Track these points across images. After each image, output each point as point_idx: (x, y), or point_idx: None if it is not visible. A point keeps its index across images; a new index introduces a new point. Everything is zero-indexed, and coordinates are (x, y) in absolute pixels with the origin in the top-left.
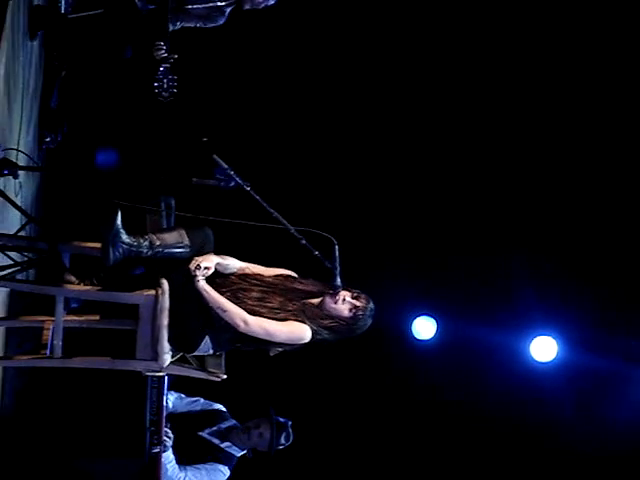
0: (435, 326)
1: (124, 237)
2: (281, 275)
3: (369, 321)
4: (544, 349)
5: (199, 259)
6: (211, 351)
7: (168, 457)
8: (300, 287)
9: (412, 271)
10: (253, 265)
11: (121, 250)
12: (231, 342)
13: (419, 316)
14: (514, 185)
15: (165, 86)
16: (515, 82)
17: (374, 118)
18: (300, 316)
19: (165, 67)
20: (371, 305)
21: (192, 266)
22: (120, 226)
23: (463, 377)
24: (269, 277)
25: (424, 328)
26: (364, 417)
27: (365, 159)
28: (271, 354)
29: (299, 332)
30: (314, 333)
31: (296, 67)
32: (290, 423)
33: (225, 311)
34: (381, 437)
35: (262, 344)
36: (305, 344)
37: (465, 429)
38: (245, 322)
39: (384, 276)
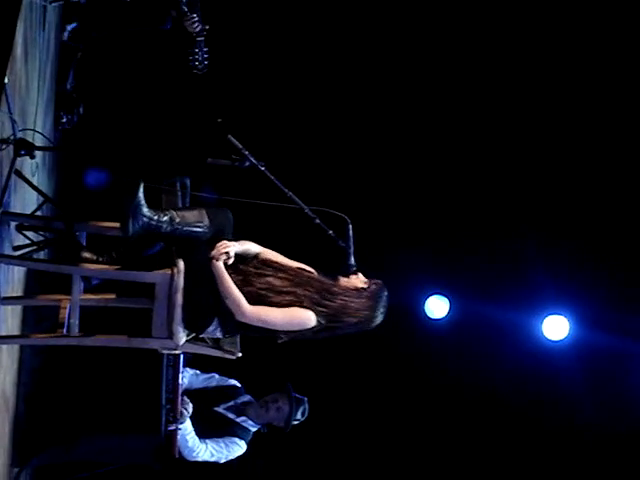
0: (448, 305)
1: (145, 210)
2: (300, 267)
3: (382, 308)
4: (556, 328)
5: (226, 244)
6: (219, 334)
7: (187, 428)
8: (317, 278)
9: (425, 250)
10: (275, 253)
11: (141, 222)
12: (237, 328)
13: (432, 295)
14: (526, 163)
15: (200, 58)
16: (522, 66)
17: (392, 98)
18: (308, 303)
19: (200, 40)
20: (385, 291)
21: (217, 249)
22: (142, 198)
23: (475, 356)
24: (288, 264)
25: (437, 307)
26: (377, 397)
27: (380, 138)
28: (279, 341)
29: (300, 318)
30: (327, 321)
31: (314, 49)
32: (307, 399)
33: (227, 298)
34: (394, 417)
35: (266, 332)
36: (315, 334)
37: (477, 408)
38: (242, 313)
39: (397, 255)
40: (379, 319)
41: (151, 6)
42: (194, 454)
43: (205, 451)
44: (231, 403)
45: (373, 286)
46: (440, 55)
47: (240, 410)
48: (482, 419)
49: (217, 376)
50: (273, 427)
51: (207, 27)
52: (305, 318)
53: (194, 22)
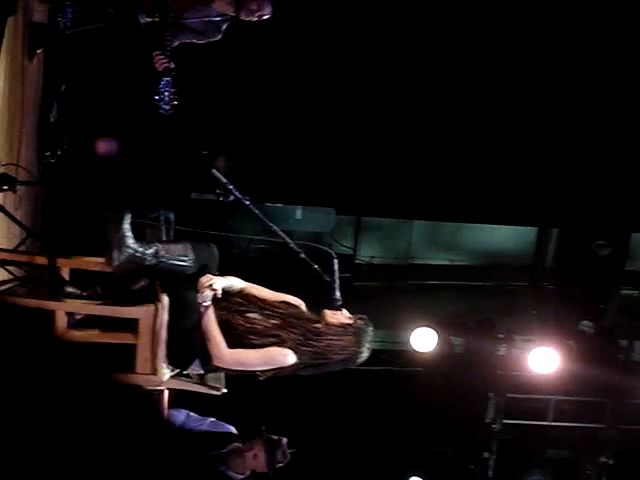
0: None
1: (130, 241)
2: (286, 302)
3: (367, 343)
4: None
5: (210, 278)
6: (201, 371)
7: None
8: (302, 315)
9: None
10: (260, 288)
11: (126, 254)
12: (217, 368)
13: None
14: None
15: (166, 99)
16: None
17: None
18: (291, 344)
19: (166, 80)
20: (370, 326)
21: (205, 282)
22: (127, 230)
23: None
24: (273, 302)
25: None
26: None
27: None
28: (260, 378)
29: (277, 358)
30: (312, 359)
31: (290, 79)
32: (285, 440)
33: (209, 340)
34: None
35: (245, 372)
36: (296, 371)
37: None
38: (220, 358)
39: None
40: (364, 355)
41: (112, 50)
42: None
43: None
44: (216, 451)
45: (358, 322)
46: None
47: (224, 460)
48: None
49: (209, 420)
50: (258, 473)
51: (173, 66)
52: (283, 357)
53: (160, 60)
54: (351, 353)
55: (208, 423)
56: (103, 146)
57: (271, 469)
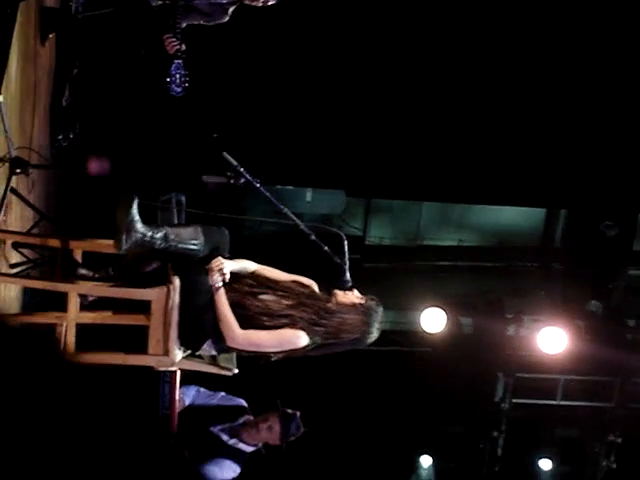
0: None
1: (139, 226)
2: (298, 281)
3: (377, 324)
4: None
5: (220, 261)
6: (214, 352)
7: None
8: (314, 295)
9: None
10: (272, 269)
11: (134, 238)
12: (229, 348)
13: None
14: None
15: (177, 81)
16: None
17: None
18: (303, 324)
19: (177, 62)
20: (380, 307)
21: (215, 266)
22: (136, 214)
23: None
24: (285, 282)
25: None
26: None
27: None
28: (273, 359)
29: (291, 339)
30: (323, 339)
31: (302, 63)
32: (299, 414)
33: (221, 321)
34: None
35: (257, 352)
36: (308, 352)
37: None
38: (233, 338)
39: None
40: (374, 335)
41: (124, 34)
42: None
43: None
44: (228, 424)
45: (369, 301)
46: None
47: (235, 432)
48: None
49: (221, 394)
50: (270, 446)
51: (184, 48)
52: (295, 339)
53: (171, 42)
54: (361, 333)
55: (219, 397)
56: (95, 166)
57: (284, 442)
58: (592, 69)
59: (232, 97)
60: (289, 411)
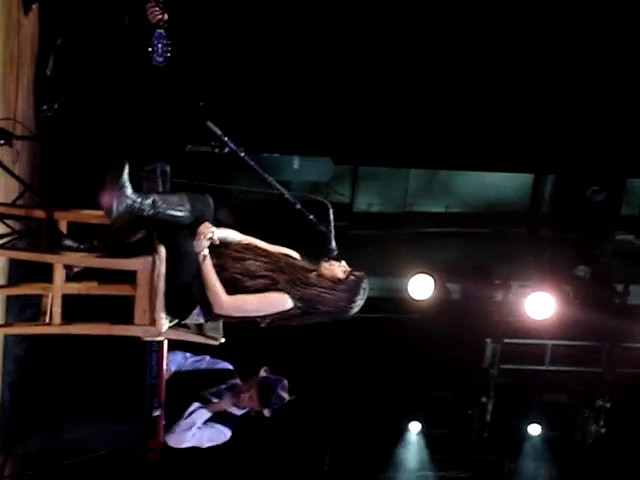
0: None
1: (129, 192)
2: (283, 252)
3: (359, 300)
4: None
5: (210, 227)
6: (202, 320)
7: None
8: (299, 263)
9: None
10: (256, 240)
11: (125, 204)
12: (217, 315)
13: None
14: None
15: (160, 51)
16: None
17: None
18: (283, 286)
19: (159, 32)
20: (364, 284)
21: (203, 230)
22: (126, 180)
23: None
24: (270, 251)
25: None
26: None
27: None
28: (262, 325)
29: (276, 301)
30: (303, 306)
31: (287, 28)
32: (282, 383)
33: (208, 289)
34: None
35: (244, 317)
36: (290, 320)
37: None
38: (220, 305)
39: None
40: (354, 310)
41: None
42: (182, 444)
43: (190, 439)
44: (217, 388)
45: (352, 277)
46: None
47: (224, 395)
48: None
49: (207, 358)
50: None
51: (166, 17)
52: (281, 300)
53: (153, 10)
54: (339, 308)
55: (206, 362)
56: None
57: (267, 410)
58: (579, 32)
59: (217, 65)
60: (270, 380)
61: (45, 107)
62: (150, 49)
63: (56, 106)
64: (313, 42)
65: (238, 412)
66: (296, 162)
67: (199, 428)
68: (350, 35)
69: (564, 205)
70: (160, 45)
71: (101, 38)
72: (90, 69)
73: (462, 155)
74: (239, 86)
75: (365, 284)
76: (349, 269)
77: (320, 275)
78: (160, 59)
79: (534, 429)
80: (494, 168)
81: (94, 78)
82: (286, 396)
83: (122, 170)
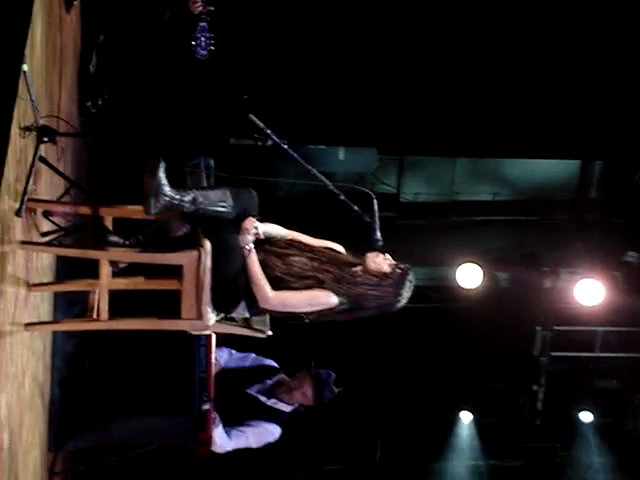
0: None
1: (166, 189)
2: (327, 247)
3: (405, 294)
4: None
5: (255, 222)
6: (247, 314)
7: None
8: (344, 258)
9: None
10: (301, 235)
11: (163, 202)
12: (262, 309)
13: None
14: None
15: (203, 44)
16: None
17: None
18: (329, 284)
19: (202, 25)
20: (409, 277)
21: (247, 226)
22: (163, 178)
23: None
24: (313, 246)
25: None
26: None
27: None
28: (306, 321)
29: (321, 298)
30: (348, 302)
31: (330, 20)
32: (332, 377)
33: (253, 283)
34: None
35: (290, 313)
36: (336, 315)
37: None
38: (266, 300)
39: None
40: (401, 304)
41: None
42: (224, 449)
43: (234, 442)
44: (263, 385)
45: (397, 271)
46: None
47: (272, 392)
48: None
49: (252, 356)
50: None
51: (211, 9)
52: (326, 297)
53: (196, 2)
54: (386, 303)
55: (251, 359)
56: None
57: (318, 404)
58: (625, 18)
59: (260, 58)
60: (322, 375)
61: (89, 103)
62: (193, 42)
63: (100, 102)
64: (359, 33)
65: (287, 409)
66: (341, 153)
67: (241, 431)
68: (395, 29)
69: (612, 190)
70: (203, 38)
71: (143, 33)
72: (133, 64)
73: (508, 143)
74: (284, 78)
75: (411, 277)
76: (394, 262)
77: (366, 270)
78: (204, 52)
79: (586, 416)
80: (541, 155)
81: (137, 73)
82: (336, 390)
83: (158, 168)
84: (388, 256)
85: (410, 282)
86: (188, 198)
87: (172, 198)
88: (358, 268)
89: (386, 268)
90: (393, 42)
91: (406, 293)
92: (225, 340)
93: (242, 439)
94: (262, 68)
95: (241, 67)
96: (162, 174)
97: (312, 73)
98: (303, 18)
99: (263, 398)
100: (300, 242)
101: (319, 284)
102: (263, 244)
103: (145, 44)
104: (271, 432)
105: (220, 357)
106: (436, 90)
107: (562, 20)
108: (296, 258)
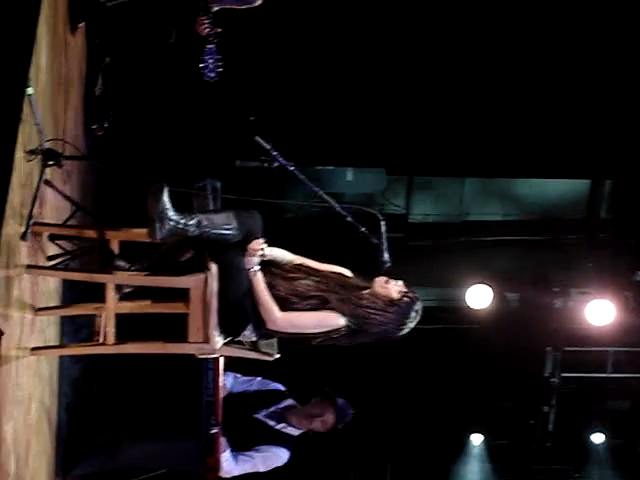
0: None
1: (171, 213)
2: (334, 271)
3: (410, 323)
4: None
5: (260, 242)
6: (254, 337)
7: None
8: (352, 282)
9: None
10: (308, 260)
11: (168, 227)
12: (270, 332)
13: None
14: None
15: (211, 66)
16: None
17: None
18: (337, 305)
19: (210, 48)
20: (416, 306)
21: (254, 247)
22: (167, 202)
23: None
24: (318, 269)
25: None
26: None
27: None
28: (314, 343)
29: (329, 319)
30: (359, 325)
31: (337, 41)
32: (347, 403)
33: (260, 305)
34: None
35: (297, 335)
36: (339, 340)
37: None
38: (273, 321)
39: None
40: (403, 332)
41: (154, 20)
42: (231, 474)
43: (241, 467)
44: (272, 409)
45: (405, 299)
46: None
47: (281, 416)
48: None
49: (258, 379)
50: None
51: (218, 31)
52: (334, 318)
53: (203, 24)
54: (388, 330)
55: (257, 383)
56: None
57: (334, 434)
58: (636, 38)
59: (267, 79)
60: (342, 404)
61: (95, 126)
62: (201, 65)
63: (106, 125)
64: (366, 55)
65: (295, 432)
66: (350, 174)
67: (249, 456)
68: (402, 48)
69: (622, 210)
70: (211, 60)
71: (149, 55)
72: (138, 86)
73: (518, 162)
74: (291, 100)
75: (418, 306)
76: (405, 290)
77: (373, 294)
78: (212, 74)
79: (597, 437)
80: (551, 175)
81: (142, 95)
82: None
83: (161, 193)
84: (400, 282)
85: (416, 312)
86: (193, 222)
87: (177, 222)
88: (366, 291)
89: (394, 294)
90: (401, 64)
91: (411, 323)
92: (229, 364)
93: (249, 464)
94: (269, 90)
95: (247, 89)
96: (166, 198)
97: (320, 94)
98: (310, 41)
99: (272, 422)
100: (307, 266)
101: (324, 304)
102: (270, 267)
103: (151, 66)
104: (279, 456)
105: (225, 381)
106: (445, 110)
107: (572, 41)
108: (302, 281)
